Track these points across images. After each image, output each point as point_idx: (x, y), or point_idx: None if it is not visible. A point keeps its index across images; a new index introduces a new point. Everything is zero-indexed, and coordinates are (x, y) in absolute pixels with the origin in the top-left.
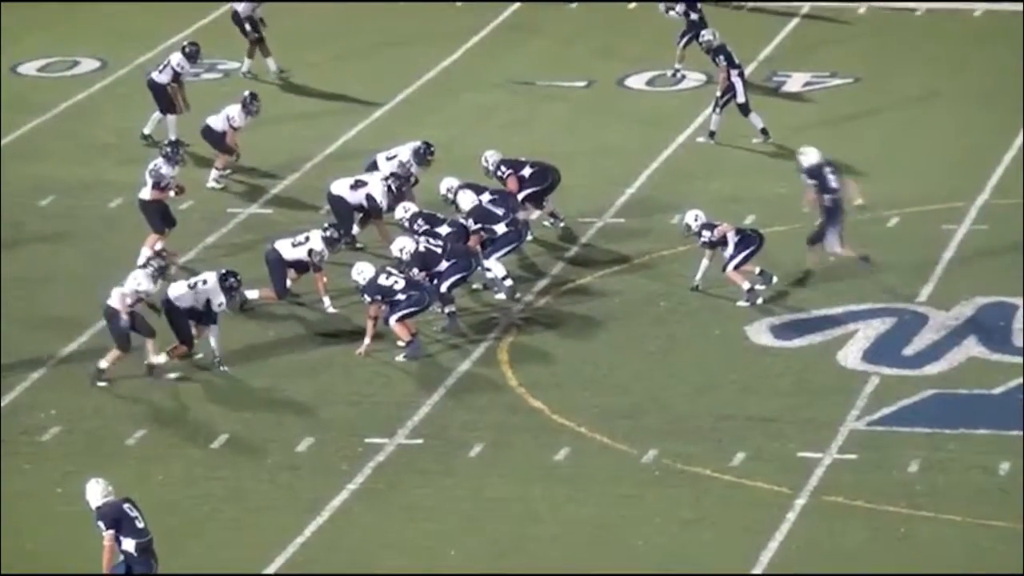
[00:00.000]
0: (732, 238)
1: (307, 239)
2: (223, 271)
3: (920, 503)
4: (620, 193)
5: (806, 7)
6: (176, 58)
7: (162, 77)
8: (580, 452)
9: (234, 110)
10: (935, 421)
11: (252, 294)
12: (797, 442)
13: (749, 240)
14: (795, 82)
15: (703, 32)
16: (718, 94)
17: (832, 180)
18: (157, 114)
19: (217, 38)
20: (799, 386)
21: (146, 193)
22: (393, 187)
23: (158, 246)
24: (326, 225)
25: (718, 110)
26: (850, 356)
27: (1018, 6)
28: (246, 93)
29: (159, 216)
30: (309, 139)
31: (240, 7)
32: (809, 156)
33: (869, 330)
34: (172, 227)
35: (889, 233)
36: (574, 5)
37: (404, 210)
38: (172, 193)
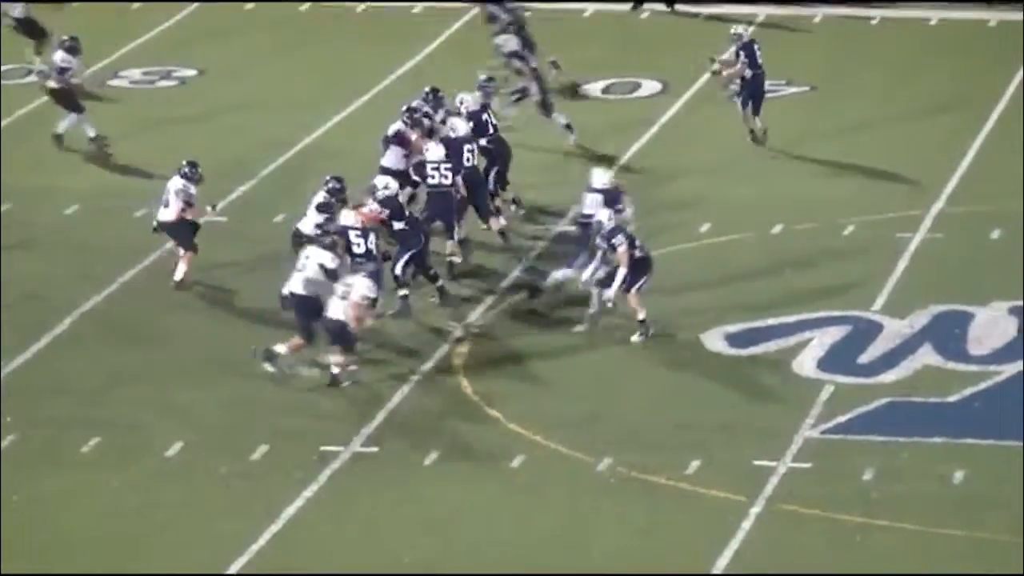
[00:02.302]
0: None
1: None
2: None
3: (875, 511)
4: (574, 200)
5: (762, 15)
6: (59, 56)
7: (52, 82)
8: (535, 460)
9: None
10: (890, 429)
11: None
12: (752, 450)
13: (645, 265)
14: None
15: (736, 26)
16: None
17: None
18: (72, 116)
19: (176, 44)
20: (754, 394)
21: (170, 214)
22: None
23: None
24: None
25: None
26: (805, 364)
27: (973, 15)
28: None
29: (190, 234)
30: (261, 147)
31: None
32: None
33: (824, 338)
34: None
35: (844, 241)
36: (529, 13)
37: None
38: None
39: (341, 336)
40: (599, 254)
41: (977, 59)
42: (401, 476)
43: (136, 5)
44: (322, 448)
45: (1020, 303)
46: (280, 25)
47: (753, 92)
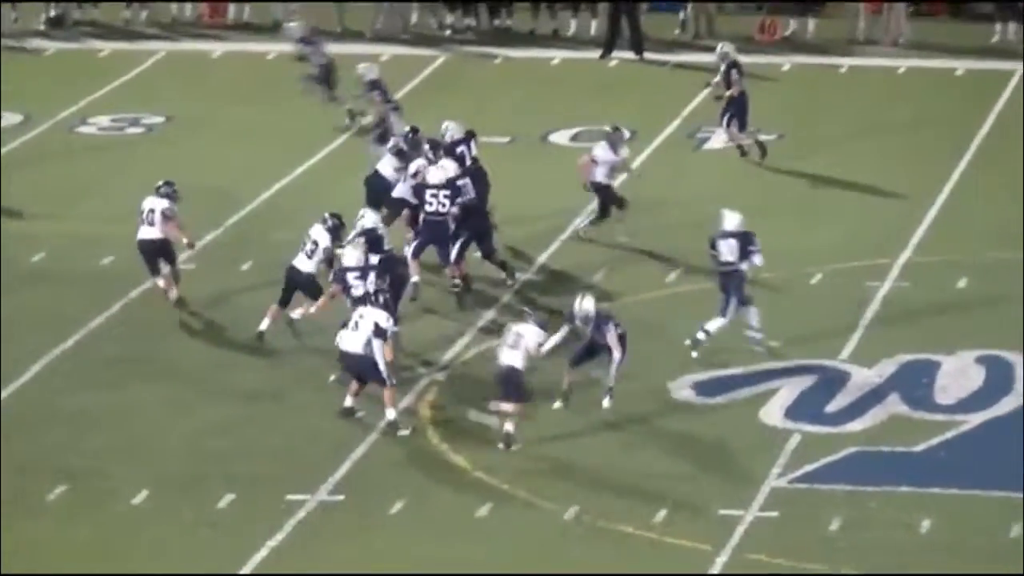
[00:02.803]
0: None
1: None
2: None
3: (842, 561)
4: (544, 248)
5: None
6: None
7: None
8: (502, 509)
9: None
10: (857, 479)
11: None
12: (719, 499)
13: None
14: (718, 139)
15: (723, 44)
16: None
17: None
18: None
19: (144, 91)
20: (721, 443)
21: (155, 232)
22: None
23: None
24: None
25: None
26: (772, 413)
27: (941, 64)
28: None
29: (168, 253)
30: (229, 196)
31: None
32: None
33: (791, 387)
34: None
35: (812, 290)
36: (497, 60)
37: None
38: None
39: (516, 386)
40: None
41: (945, 108)
42: (367, 525)
43: (104, 52)
44: (288, 497)
45: (987, 352)
46: (247, 73)
47: (740, 109)
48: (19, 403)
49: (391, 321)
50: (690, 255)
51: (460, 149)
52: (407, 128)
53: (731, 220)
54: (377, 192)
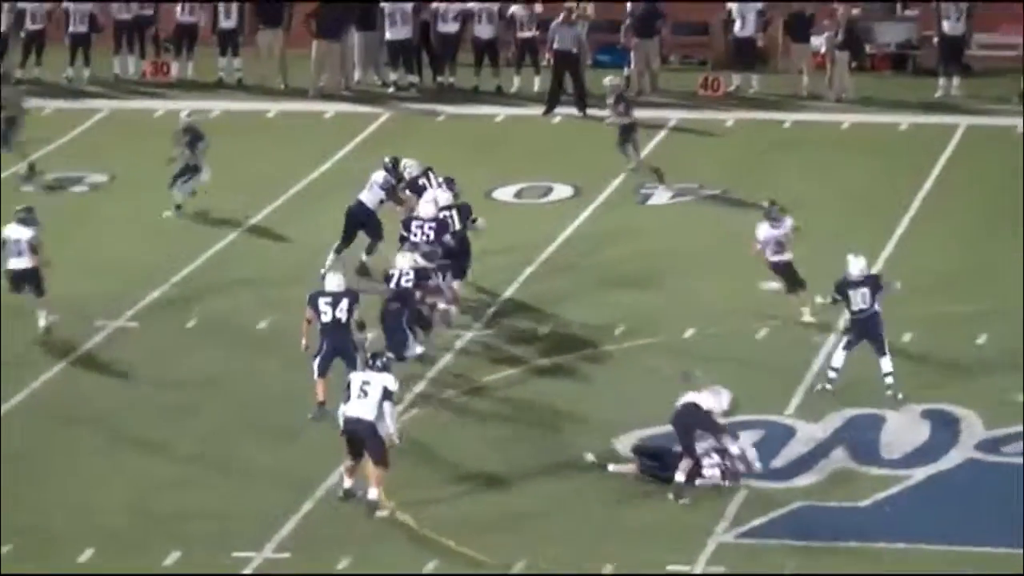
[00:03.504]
0: None
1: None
2: None
3: None
4: (491, 303)
5: (674, 119)
6: None
7: None
8: (448, 566)
9: None
10: (804, 533)
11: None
12: (666, 554)
13: None
14: (662, 194)
15: (609, 77)
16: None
17: None
18: None
19: (88, 149)
20: (669, 498)
21: (26, 262)
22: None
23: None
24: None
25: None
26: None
27: (885, 119)
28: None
29: (37, 283)
30: (173, 253)
31: None
32: None
33: (738, 442)
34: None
35: (758, 344)
36: (441, 117)
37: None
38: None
39: (714, 425)
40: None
41: (889, 163)
42: None
43: (47, 110)
44: (234, 554)
45: (932, 406)
46: None
47: (633, 136)
48: None
49: (397, 384)
50: (634, 310)
51: (421, 181)
52: (386, 159)
53: (856, 265)
54: (358, 221)
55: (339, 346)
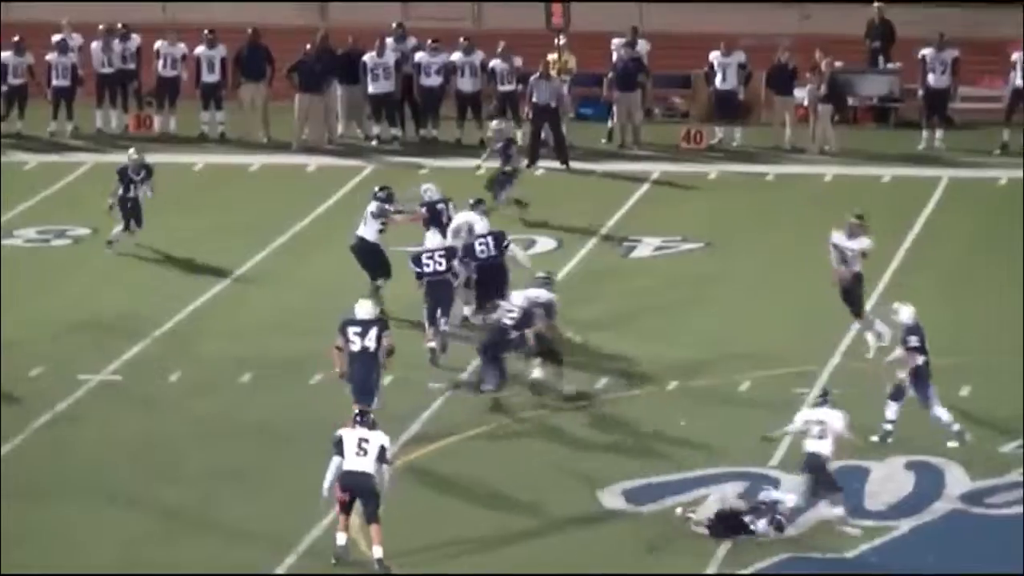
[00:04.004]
0: None
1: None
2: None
3: None
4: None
5: (657, 172)
6: None
7: None
8: None
9: None
10: None
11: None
12: None
13: None
14: (646, 247)
15: (499, 120)
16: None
17: None
18: None
19: (70, 203)
20: (653, 551)
21: None
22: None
23: None
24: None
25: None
26: (702, 519)
27: (867, 171)
28: None
29: None
30: (157, 306)
31: None
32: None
33: (720, 494)
34: None
35: (741, 397)
36: (424, 170)
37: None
38: None
39: (826, 478)
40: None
41: (872, 215)
42: None
43: (30, 164)
44: None
45: (916, 458)
46: (176, 183)
47: (511, 182)
48: None
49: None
50: (617, 363)
51: (439, 206)
52: (376, 189)
53: (906, 313)
54: (366, 256)
55: (360, 376)
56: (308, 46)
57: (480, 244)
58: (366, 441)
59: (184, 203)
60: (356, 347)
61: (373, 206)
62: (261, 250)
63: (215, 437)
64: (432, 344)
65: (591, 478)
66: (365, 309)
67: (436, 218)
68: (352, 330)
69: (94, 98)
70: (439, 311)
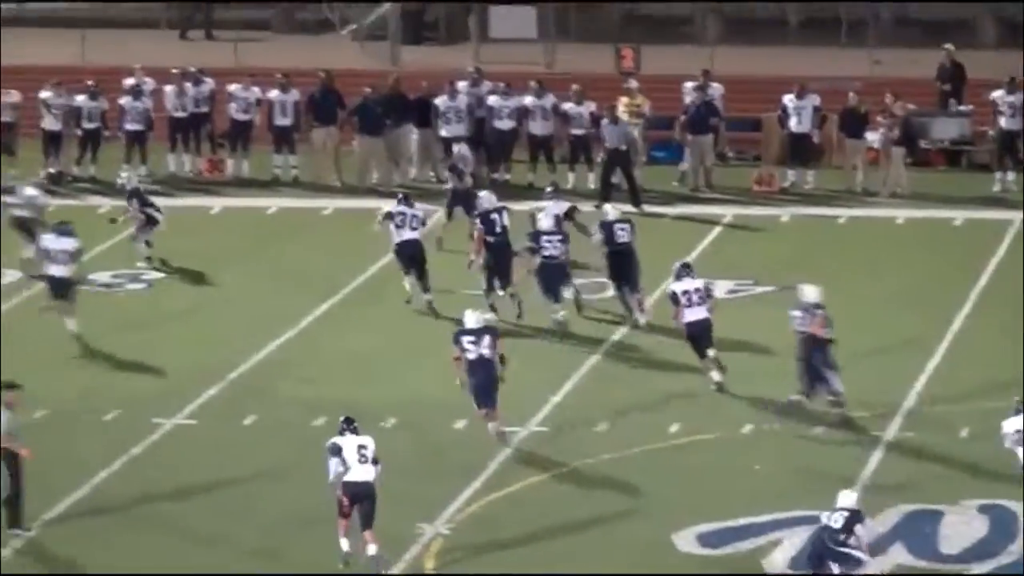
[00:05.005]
0: None
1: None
2: None
3: None
4: (545, 400)
5: (729, 215)
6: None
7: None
8: None
9: None
10: None
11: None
12: None
13: None
14: (718, 290)
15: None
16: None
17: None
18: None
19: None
20: None
21: (69, 271)
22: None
23: None
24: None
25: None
26: (776, 563)
27: (939, 214)
28: None
29: None
30: (230, 350)
31: None
32: None
33: (795, 538)
34: None
35: (815, 440)
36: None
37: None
38: None
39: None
40: None
41: (944, 258)
42: None
43: (104, 208)
44: None
45: (990, 502)
46: (248, 226)
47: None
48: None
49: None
50: (691, 406)
51: (493, 216)
52: (400, 195)
53: (812, 293)
54: (411, 256)
55: (484, 382)
56: (368, 89)
57: (620, 228)
58: (364, 448)
59: (257, 247)
60: (473, 355)
61: (419, 210)
62: (334, 294)
63: (288, 481)
64: (558, 317)
65: (665, 521)
66: (474, 318)
67: (490, 227)
68: (466, 339)
69: (167, 142)
70: (556, 292)
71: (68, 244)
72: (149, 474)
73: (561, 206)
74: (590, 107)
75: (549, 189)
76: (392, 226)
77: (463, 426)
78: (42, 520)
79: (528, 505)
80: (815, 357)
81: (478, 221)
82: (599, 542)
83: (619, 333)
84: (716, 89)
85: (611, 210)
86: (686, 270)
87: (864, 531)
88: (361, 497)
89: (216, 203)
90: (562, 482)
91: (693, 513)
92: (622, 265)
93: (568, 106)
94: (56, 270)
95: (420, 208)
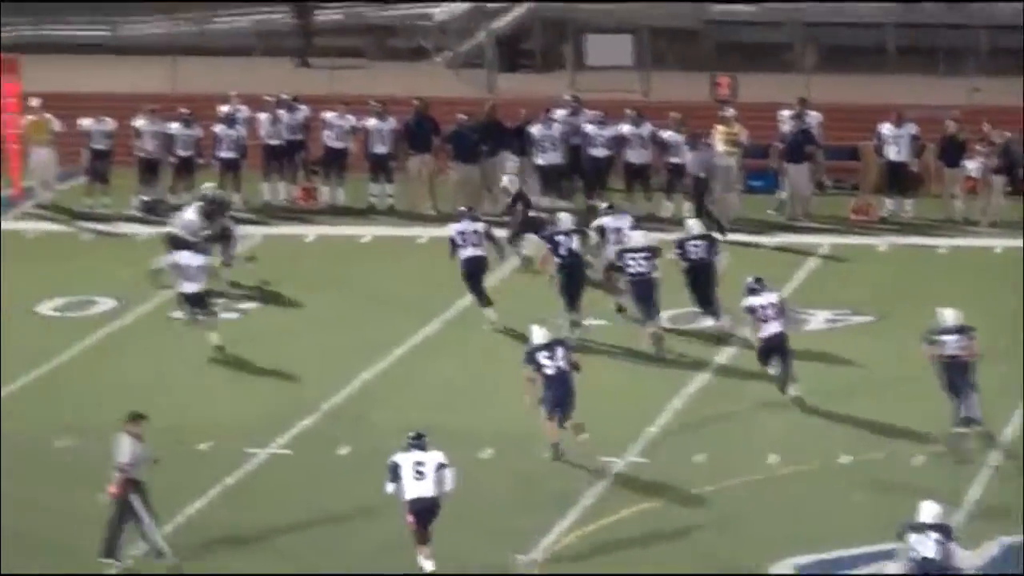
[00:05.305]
0: None
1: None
2: None
3: None
4: (641, 430)
5: (826, 245)
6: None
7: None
8: None
9: None
10: None
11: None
12: None
13: None
14: (816, 320)
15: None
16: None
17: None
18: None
19: (236, 277)
20: None
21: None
22: None
23: None
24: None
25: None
26: None
27: None
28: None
29: None
30: (325, 379)
31: None
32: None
33: (895, 569)
34: None
35: (913, 472)
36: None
37: None
38: None
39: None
40: None
41: None
42: None
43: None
44: None
45: None
46: (343, 255)
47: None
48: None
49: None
50: (788, 437)
51: (558, 237)
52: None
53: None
54: (473, 272)
55: (563, 394)
56: (462, 116)
57: (694, 244)
58: (421, 464)
59: (351, 275)
60: (551, 370)
61: (480, 225)
62: (429, 322)
63: (385, 512)
64: (652, 331)
65: (762, 551)
66: (542, 334)
67: (557, 248)
68: (542, 355)
69: (260, 170)
70: (648, 308)
71: (199, 260)
72: (243, 505)
73: (623, 220)
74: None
75: (605, 205)
76: (456, 246)
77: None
78: (135, 550)
79: (624, 536)
80: (958, 380)
81: (546, 241)
82: (696, 573)
83: (722, 355)
84: (813, 117)
85: (694, 225)
86: (759, 284)
87: (957, 547)
88: (422, 513)
89: (310, 231)
90: (659, 513)
91: (791, 544)
92: (697, 280)
93: (667, 134)
94: (189, 287)
95: (483, 224)
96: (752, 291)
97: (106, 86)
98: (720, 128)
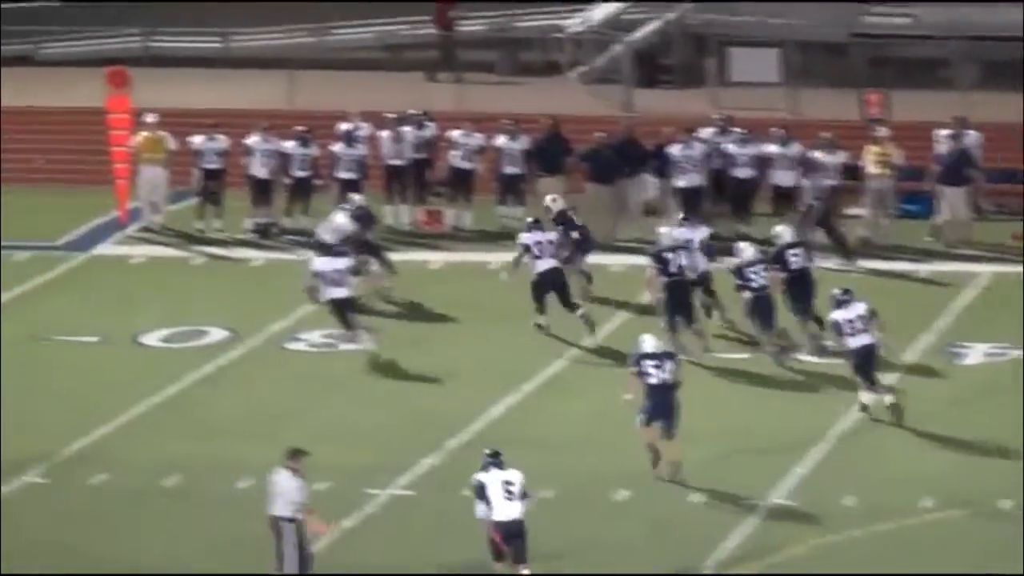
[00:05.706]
0: None
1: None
2: None
3: None
4: (787, 471)
5: (986, 273)
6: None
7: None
8: None
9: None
10: None
11: None
12: None
13: None
14: (975, 354)
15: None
16: None
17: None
18: None
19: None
20: None
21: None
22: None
23: None
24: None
25: None
26: None
27: None
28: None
29: None
30: (451, 415)
31: None
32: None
33: None
34: None
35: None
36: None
37: None
38: None
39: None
40: None
41: None
42: None
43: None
44: None
45: None
46: (470, 282)
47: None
48: None
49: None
50: (943, 477)
51: (666, 255)
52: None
53: (787, 233)
54: (552, 283)
55: (663, 407)
56: (598, 134)
57: (793, 253)
58: (510, 483)
59: (478, 303)
60: (655, 380)
61: (553, 235)
62: (559, 356)
63: None
64: (774, 348)
65: None
66: (653, 343)
67: (665, 265)
68: (649, 363)
69: (381, 191)
70: (769, 321)
71: (342, 263)
72: (362, 548)
73: (701, 231)
74: (842, 156)
75: (680, 216)
76: (529, 258)
77: (698, 500)
78: None
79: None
80: None
81: (652, 260)
82: None
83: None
84: (973, 137)
85: (784, 232)
86: (847, 296)
87: None
88: (512, 535)
89: (435, 257)
90: (806, 560)
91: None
92: (798, 290)
93: (818, 154)
94: (335, 292)
95: (552, 233)
96: (839, 304)
97: (218, 102)
98: (873, 148)
